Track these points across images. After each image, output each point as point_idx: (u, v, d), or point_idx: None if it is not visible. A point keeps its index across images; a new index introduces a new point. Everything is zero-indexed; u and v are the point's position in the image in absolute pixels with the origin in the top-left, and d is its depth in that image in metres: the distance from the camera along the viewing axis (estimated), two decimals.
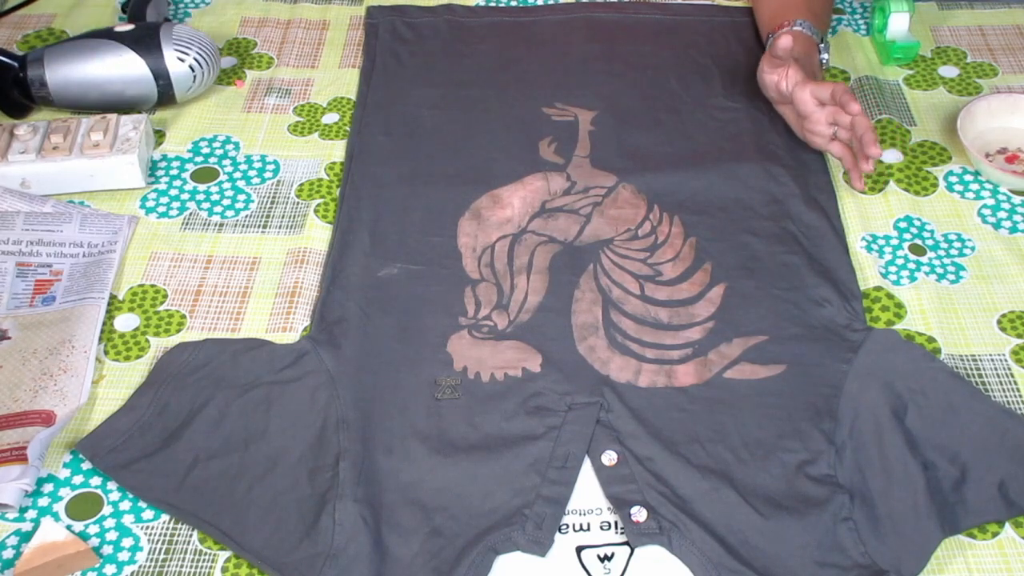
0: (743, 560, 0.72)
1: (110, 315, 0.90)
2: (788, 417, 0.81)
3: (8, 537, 0.76)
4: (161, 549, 0.75)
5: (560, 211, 0.98)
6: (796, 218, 0.97)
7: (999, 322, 0.89)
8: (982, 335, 0.88)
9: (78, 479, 0.79)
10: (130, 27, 1.08)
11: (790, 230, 0.96)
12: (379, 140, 1.06)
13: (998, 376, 0.85)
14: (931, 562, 0.72)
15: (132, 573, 0.74)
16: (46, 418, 0.81)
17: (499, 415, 0.82)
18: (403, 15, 1.22)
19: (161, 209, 1.00)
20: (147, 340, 0.88)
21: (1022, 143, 1.05)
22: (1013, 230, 0.97)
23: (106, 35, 1.07)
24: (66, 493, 0.78)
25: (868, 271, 0.93)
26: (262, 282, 0.93)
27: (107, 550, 0.75)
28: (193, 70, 1.07)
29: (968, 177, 1.02)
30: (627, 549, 0.74)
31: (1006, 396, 0.83)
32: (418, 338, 0.87)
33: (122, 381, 0.85)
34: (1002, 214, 0.99)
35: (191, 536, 0.76)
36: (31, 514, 0.77)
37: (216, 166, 1.05)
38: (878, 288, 0.91)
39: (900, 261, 0.94)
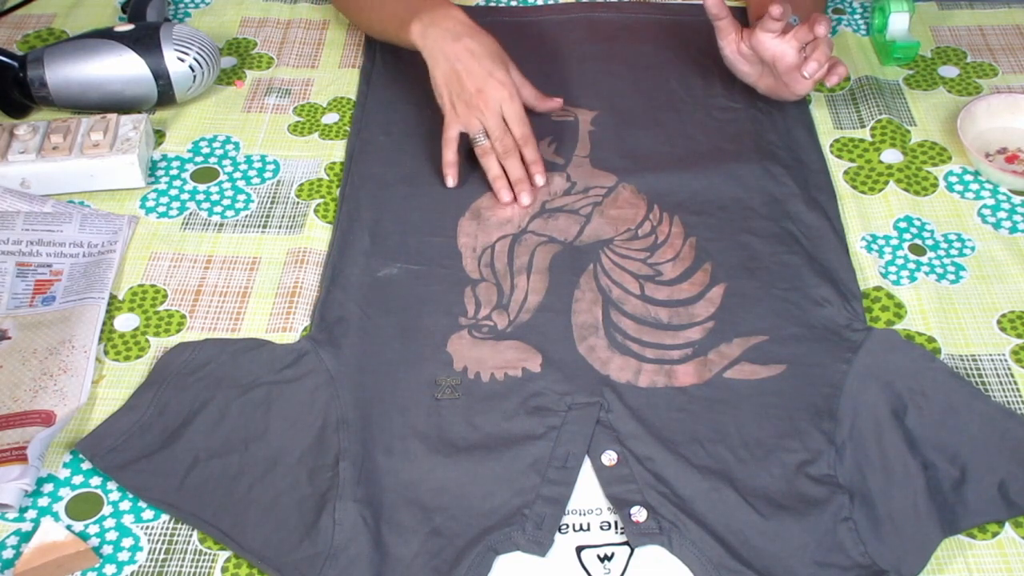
0: (743, 560, 0.72)
1: (110, 315, 0.90)
2: (788, 417, 0.81)
3: (8, 537, 0.76)
4: (161, 549, 0.75)
5: (560, 211, 0.98)
6: (796, 218, 0.97)
7: (999, 322, 0.89)
8: (982, 335, 0.88)
9: (78, 479, 0.79)
10: (130, 27, 1.08)
11: (790, 230, 0.96)
12: (379, 140, 1.06)
13: (998, 376, 0.85)
14: (931, 562, 0.72)
15: (132, 573, 0.74)
16: (46, 418, 0.81)
17: (499, 415, 0.82)
18: None
19: (161, 209, 1.00)
20: (147, 340, 0.88)
21: (1022, 143, 1.05)
22: (1013, 230, 0.97)
23: (106, 35, 1.07)
24: (66, 493, 0.78)
25: (868, 271, 0.93)
26: (262, 282, 0.93)
27: (107, 550, 0.75)
28: (193, 70, 1.07)
29: (968, 177, 1.02)
30: (627, 549, 0.74)
31: (1006, 396, 0.83)
32: (418, 338, 0.87)
33: (122, 381, 0.85)
34: (1002, 214, 0.99)
35: (191, 536, 0.76)
36: (31, 514, 0.77)
37: (216, 166, 1.05)
38: (878, 288, 0.91)
39: (900, 261, 0.94)
